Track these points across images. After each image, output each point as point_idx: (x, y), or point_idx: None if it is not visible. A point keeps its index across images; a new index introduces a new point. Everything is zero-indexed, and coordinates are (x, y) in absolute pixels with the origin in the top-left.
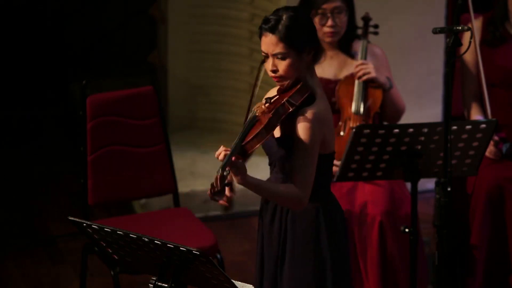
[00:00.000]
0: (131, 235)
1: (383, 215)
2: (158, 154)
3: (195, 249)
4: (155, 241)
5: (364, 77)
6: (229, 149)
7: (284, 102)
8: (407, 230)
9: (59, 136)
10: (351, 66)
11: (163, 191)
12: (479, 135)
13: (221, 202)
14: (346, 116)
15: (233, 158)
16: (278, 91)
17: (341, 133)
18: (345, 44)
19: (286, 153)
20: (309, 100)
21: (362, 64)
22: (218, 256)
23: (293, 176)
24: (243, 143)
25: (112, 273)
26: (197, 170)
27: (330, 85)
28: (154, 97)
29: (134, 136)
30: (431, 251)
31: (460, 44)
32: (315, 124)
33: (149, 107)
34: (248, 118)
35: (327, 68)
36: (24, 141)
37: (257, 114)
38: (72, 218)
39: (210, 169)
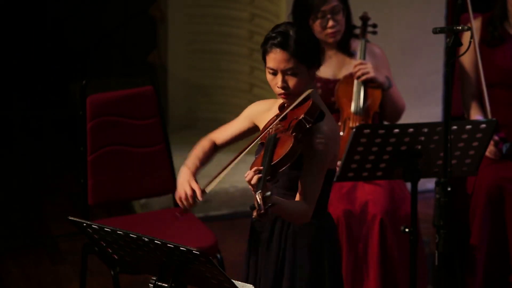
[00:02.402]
0: (131, 235)
1: (384, 214)
2: (158, 154)
3: (195, 249)
4: (155, 241)
5: (363, 77)
6: (260, 168)
7: (301, 119)
8: (407, 230)
9: (59, 136)
10: (350, 66)
11: (163, 191)
12: (479, 135)
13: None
14: (346, 116)
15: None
16: (280, 108)
17: (341, 133)
18: (343, 44)
19: (297, 172)
20: (320, 116)
21: (361, 64)
22: (218, 256)
23: (304, 191)
24: (272, 163)
25: (112, 273)
26: None
27: (329, 85)
28: (154, 97)
29: (134, 136)
30: (431, 251)
31: (460, 44)
32: (329, 141)
33: (149, 107)
34: (268, 137)
35: (326, 68)
36: (24, 141)
37: (276, 133)
38: (72, 218)
39: (210, 169)
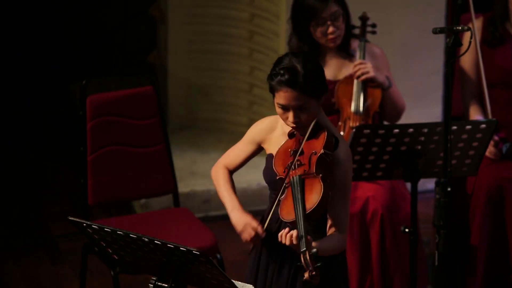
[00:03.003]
0: (131, 235)
1: (384, 209)
2: (158, 154)
3: (195, 249)
4: (155, 241)
5: (363, 77)
6: (293, 231)
7: (321, 155)
8: (407, 230)
9: (59, 136)
10: (350, 67)
11: (163, 191)
12: (479, 135)
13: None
14: (346, 115)
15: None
16: (290, 135)
17: (341, 133)
18: (343, 45)
19: None
20: (336, 143)
21: (360, 63)
22: (218, 256)
23: (337, 222)
24: (307, 212)
25: (112, 273)
26: (197, 170)
27: (329, 86)
28: (154, 97)
29: (134, 136)
30: (431, 251)
31: (460, 44)
32: (351, 165)
33: (149, 107)
34: (293, 182)
35: (326, 69)
36: (24, 141)
37: (301, 175)
38: (72, 218)
39: (210, 169)
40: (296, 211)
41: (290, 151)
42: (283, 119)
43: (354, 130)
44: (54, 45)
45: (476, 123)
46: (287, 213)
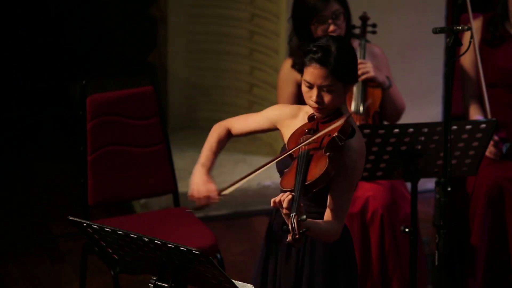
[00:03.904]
0: (131, 235)
1: (384, 209)
2: (158, 154)
3: (195, 249)
4: (155, 241)
5: (363, 76)
6: (288, 194)
7: (334, 137)
8: (407, 230)
9: (59, 136)
10: None
11: (163, 191)
12: (479, 135)
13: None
14: None
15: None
16: (310, 118)
17: None
18: None
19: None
20: (352, 133)
21: (360, 63)
22: (218, 256)
23: (334, 209)
24: (306, 183)
25: (112, 273)
26: None
27: None
28: (154, 97)
29: (134, 136)
30: (431, 251)
31: (460, 44)
32: (362, 160)
33: (149, 107)
34: (301, 154)
35: None
36: (24, 141)
37: (309, 149)
38: (72, 218)
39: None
40: (296, 180)
41: (306, 130)
42: (306, 99)
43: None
44: (54, 45)
45: (476, 123)
46: (287, 182)
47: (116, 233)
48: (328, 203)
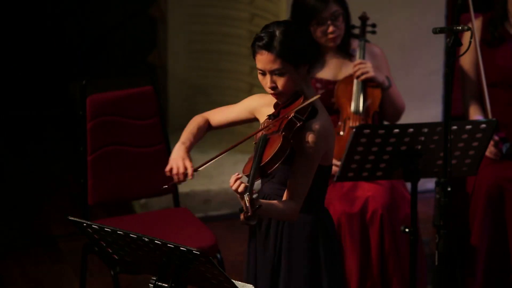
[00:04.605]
0: (131, 235)
1: (384, 209)
2: (158, 154)
3: (195, 249)
4: (155, 241)
5: (363, 77)
6: (240, 175)
7: (291, 118)
8: (407, 230)
9: (59, 136)
10: (350, 67)
11: (163, 191)
12: (479, 135)
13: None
14: (346, 115)
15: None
16: (275, 106)
17: (341, 133)
18: (343, 45)
19: (289, 167)
20: (313, 113)
21: (360, 63)
22: (218, 256)
23: (291, 189)
24: (262, 164)
25: (112, 273)
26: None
27: (329, 86)
28: (154, 97)
29: (134, 136)
30: (431, 251)
31: (460, 44)
32: (321, 139)
33: (149, 107)
34: (258, 138)
35: (326, 69)
36: (24, 141)
37: (266, 134)
38: (72, 218)
39: (210, 169)
40: (253, 164)
41: (267, 116)
42: (263, 86)
43: (354, 130)
44: (54, 45)
45: (476, 123)
46: (246, 167)
47: (116, 233)
48: (287, 184)
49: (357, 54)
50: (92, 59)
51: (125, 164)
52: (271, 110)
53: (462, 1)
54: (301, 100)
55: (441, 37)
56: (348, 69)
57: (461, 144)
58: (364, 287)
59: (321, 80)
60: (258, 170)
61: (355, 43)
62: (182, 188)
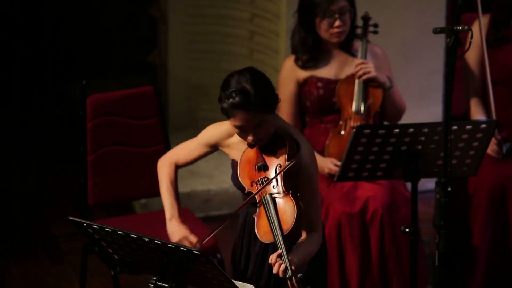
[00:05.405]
0: (131, 235)
1: (384, 209)
2: (158, 154)
3: (195, 249)
4: (156, 241)
5: (364, 77)
6: (277, 251)
7: (286, 169)
8: (407, 230)
9: (59, 136)
10: (352, 66)
11: None
12: (479, 135)
13: None
14: (347, 115)
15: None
16: (251, 146)
17: (342, 133)
18: (346, 44)
19: None
20: (298, 146)
21: (362, 63)
22: (218, 256)
23: (311, 222)
24: (285, 234)
25: (112, 273)
26: (197, 170)
27: (331, 85)
28: (154, 97)
29: (134, 136)
30: (431, 251)
31: (461, 44)
32: (315, 162)
33: (149, 107)
34: (264, 200)
35: (328, 68)
36: (24, 141)
37: (271, 194)
38: (72, 218)
39: (210, 169)
40: (274, 233)
41: (254, 165)
42: (243, 139)
43: (354, 130)
44: (54, 45)
45: (476, 123)
46: (265, 235)
47: (116, 233)
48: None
49: (359, 54)
50: (92, 59)
51: (125, 164)
52: (234, 140)
53: (462, 1)
54: (286, 143)
55: (441, 37)
56: (349, 68)
57: (461, 144)
58: (364, 287)
59: (322, 79)
60: (283, 239)
61: (356, 43)
62: (182, 188)
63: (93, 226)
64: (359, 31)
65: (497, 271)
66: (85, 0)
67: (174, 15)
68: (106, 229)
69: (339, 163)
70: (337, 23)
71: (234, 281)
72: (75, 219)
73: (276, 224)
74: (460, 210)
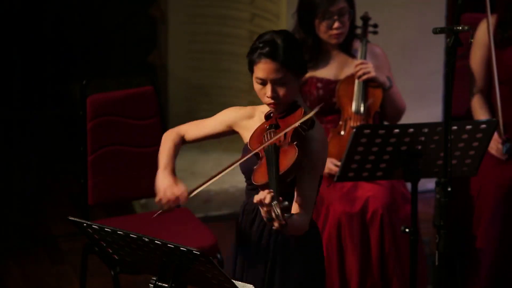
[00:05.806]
0: (131, 235)
1: (384, 209)
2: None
3: (195, 249)
4: (155, 241)
5: (364, 77)
6: (268, 190)
7: (297, 128)
8: (407, 230)
9: (59, 136)
10: (352, 67)
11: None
12: (479, 135)
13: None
14: (347, 115)
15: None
16: (267, 117)
17: (342, 133)
18: (345, 44)
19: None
20: (312, 124)
21: (361, 63)
22: (218, 256)
23: (302, 201)
24: (280, 173)
25: (112, 273)
26: (197, 170)
27: (330, 86)
28: (154, 97)
29: (134, 136)
30: (431, 251)
31: (461, 44)
32: (325, 150)
33: (149, 107)
34: (268, 149)
35: (328, 68)
36: (24, 141)
37: (275, 143)
38: (72, 218)
39: (210, 169)
40: (270, 173)
41: (266, 126)
42: (261, 96)
43: (354, 130)
44: (54, 45)
45: (476, 123)
46: (260, 177)
47: (116, 233)
48: (295, 197)
49: (358, 54)
50: (92, 59)
51: (125, 164)
52: (252, 123)
53: (462, 1)
54: (301, 111)
55: (441, 37)
56: (349, 69)
57: (461, 144)
58: (364, 287)
59: (322, 80)
60: (278, 180)
61: (356, 43)
62: None
63: (93, 226)
64: (358, 31)
65: (502, 272)
66: (85, 0)
67: (174, 15)
68: (106, 229)
69: (339, 163)
70: (336, 24)
71: (234, 281)
72: (75, 219)
73: (274, 166)
74: (460, 211)
